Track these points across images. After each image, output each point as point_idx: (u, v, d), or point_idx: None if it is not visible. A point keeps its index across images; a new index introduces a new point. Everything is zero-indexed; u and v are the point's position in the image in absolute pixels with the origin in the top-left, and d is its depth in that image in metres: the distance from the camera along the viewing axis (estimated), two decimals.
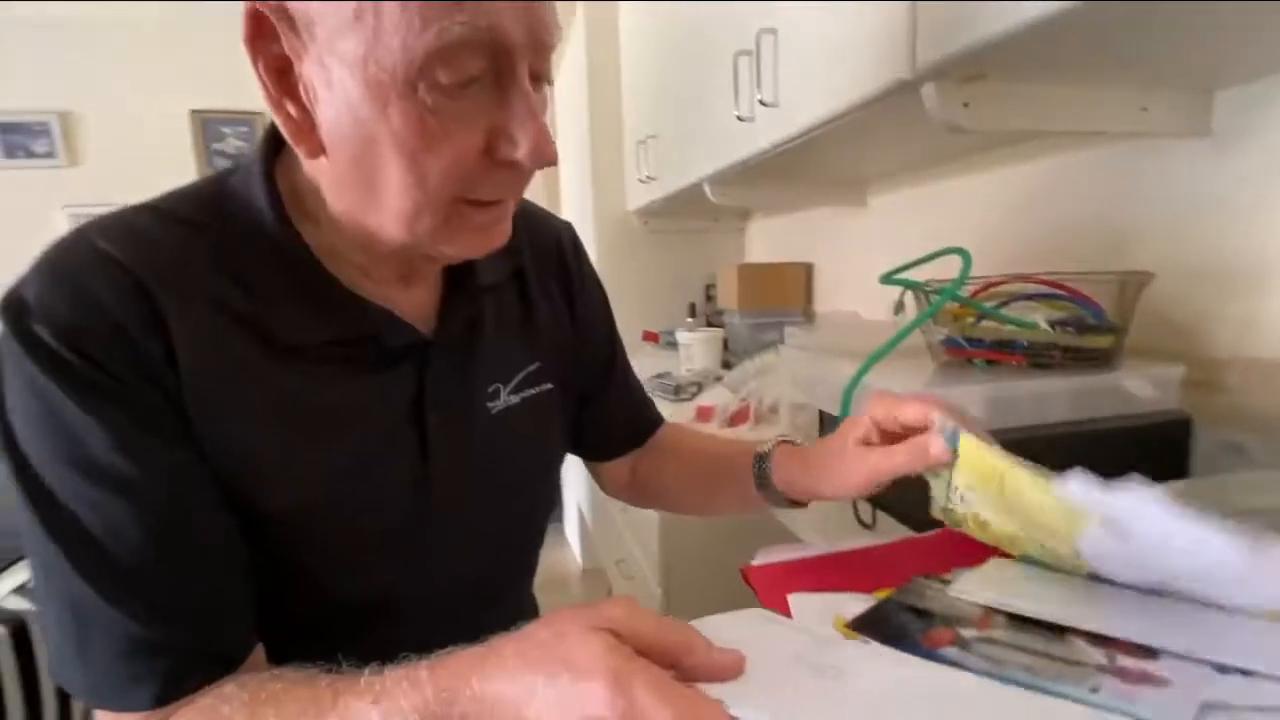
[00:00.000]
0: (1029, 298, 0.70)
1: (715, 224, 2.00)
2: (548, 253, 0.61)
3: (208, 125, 2.91)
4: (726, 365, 1.50)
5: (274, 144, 0.44)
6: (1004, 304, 0.70)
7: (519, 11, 0.36)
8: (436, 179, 0.37)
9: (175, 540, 0.38)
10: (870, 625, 0.42)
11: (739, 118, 0.97)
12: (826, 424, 0.79)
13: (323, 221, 0.43)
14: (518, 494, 0.56)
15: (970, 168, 1.04)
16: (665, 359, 1.70)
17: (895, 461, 0.46)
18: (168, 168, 2.86)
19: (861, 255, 1.40)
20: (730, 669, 0.30)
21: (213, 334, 0.39)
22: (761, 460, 0.57)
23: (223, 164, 2.93)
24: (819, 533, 0.69)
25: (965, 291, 0.67)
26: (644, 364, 1.65)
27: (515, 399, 0.54)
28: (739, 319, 1.55)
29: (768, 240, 1.92)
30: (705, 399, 1.17)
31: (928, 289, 0.68)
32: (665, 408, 1.27)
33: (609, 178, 1.94)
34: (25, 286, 0.36)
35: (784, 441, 0.58)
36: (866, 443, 0.49)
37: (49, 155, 2.75)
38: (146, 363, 0.37)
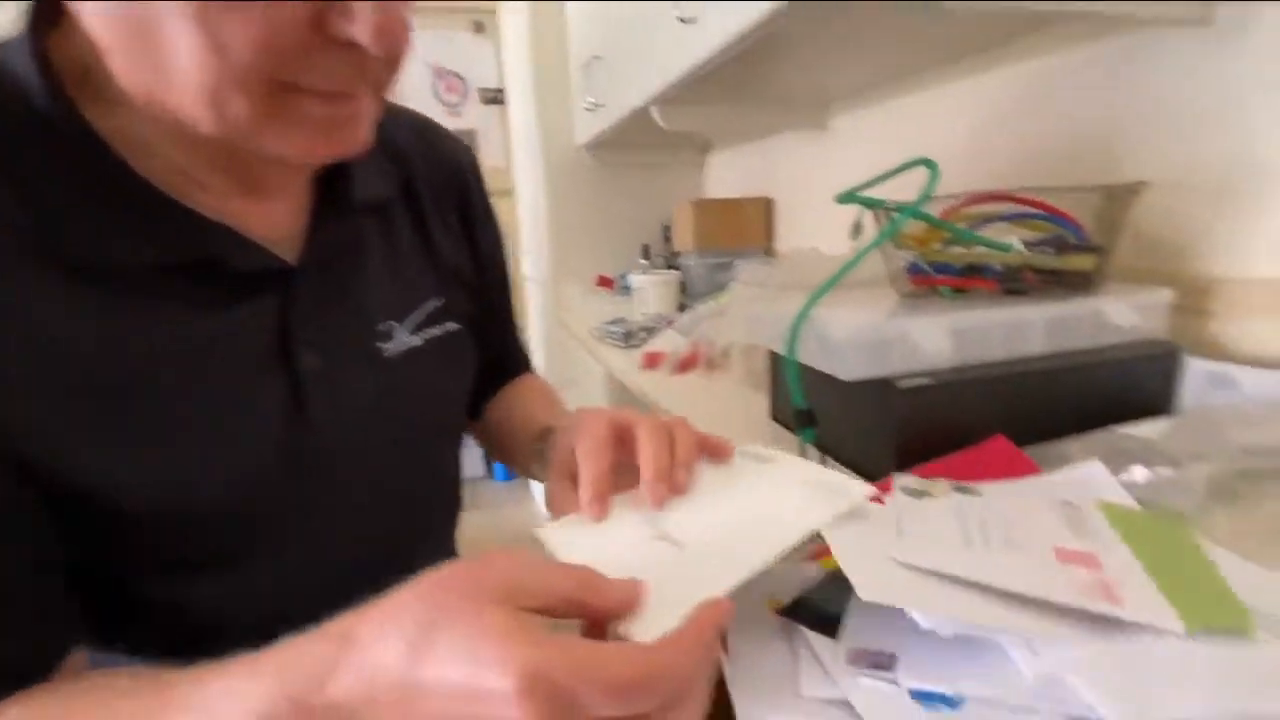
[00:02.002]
0: (1003, 219, 0.62)
1: (673, 158, 1.86)
2: (447, 174, 0.52)
3: None
4: (684, 310, 1.41)
5: (48, 5, 0.33)
6: (975, 227, 0.62)
7: None
8: (242, 49, 0.28)
9: None
10: (805, 611, 0.34)
11: (681, 19, 0.84)
12: (778, 366, 0.70)
13: (121, 105, 0.32)
14: (424, 447, 0.49)
15: (940, 79, 0.93)
16: (620, 306, 1.59)
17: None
18: None
19: (823, 185, 1.30)
20: (632, 601, 0.26)
21: None
22: (547, 434, 0.50)
23: None
24: None
25: (933, 212, 0.58)
26: (597, 311, 1.54)
27: (416, 340, 0.46)
28: (695, 260, 1.45)
29: (728, 174, 1.80)
30: (655, 345, 1.08)
31: (888, 207, 0.59)
32: (615, 356, 1.18)
33: (555, 108, 1.78)
34: None
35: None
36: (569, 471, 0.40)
37: None
38: None
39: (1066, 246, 0.57)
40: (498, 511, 2.62)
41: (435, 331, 0.48)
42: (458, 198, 0.53)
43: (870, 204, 0.60)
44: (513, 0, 1.96)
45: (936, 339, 0.51)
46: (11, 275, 0.31)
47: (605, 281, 1.76)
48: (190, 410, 0.36)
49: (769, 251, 1.52)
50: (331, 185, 0.42)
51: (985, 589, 0.29)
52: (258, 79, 0.29)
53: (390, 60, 0.34)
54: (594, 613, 0.26)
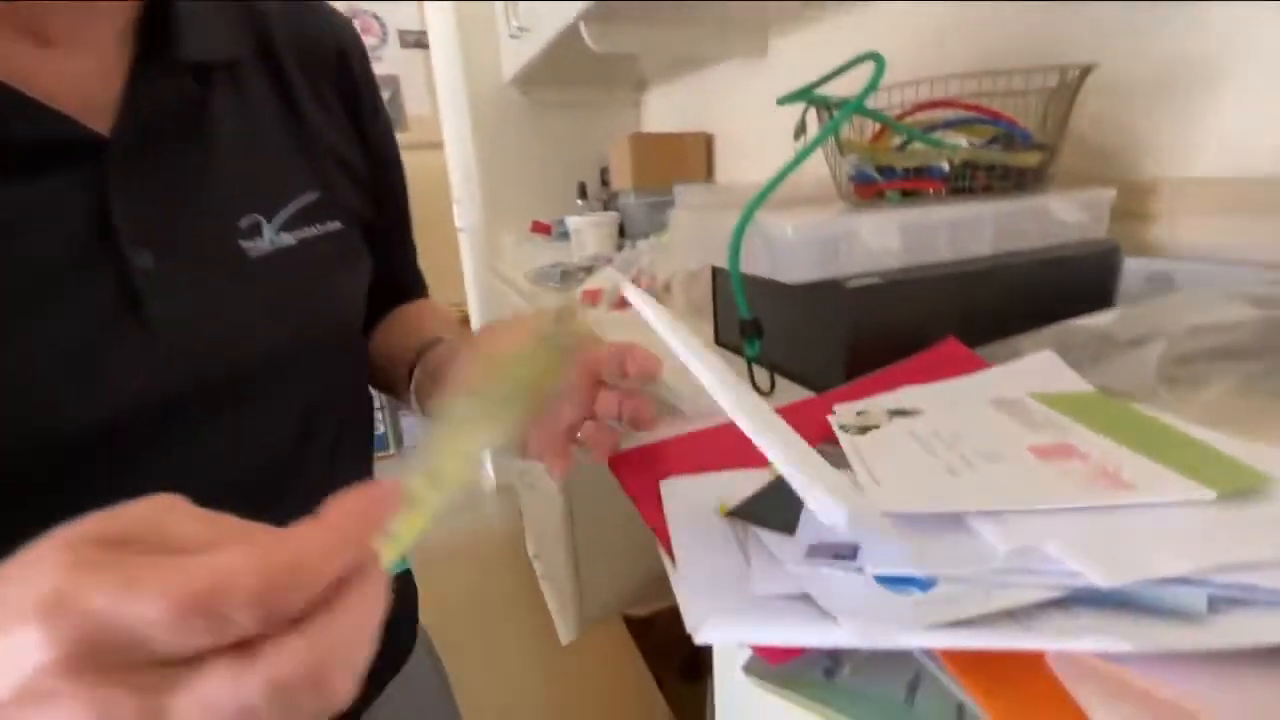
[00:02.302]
0: (948, 125, 0.59)
1: (608, 95, 1.78)
2: (320, 45, 0.44)
3: None
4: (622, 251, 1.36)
5: None
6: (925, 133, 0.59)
7: None
8: None
9: None
10: (757, 512, 0.31)
11: None
12: (720, 284, 0.67)
13: None
14: (310, 370, 0.41)
15: None
16: (558, 251, 1.52)
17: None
18: None
19: (763, 116, 1.25)
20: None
21: None
22: (435, 344, 0.46)
23: None
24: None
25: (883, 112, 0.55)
26: (532, 257, 1.47)
27: (289, 239, 0.39)
28: (633, 199, 1.39)
29: (666, 112, 1.73)
30: (593, 283, 1.03)
31: (831, 104, 0.55)
32: (552, 300, 1.12)
33: (480, 41, 1.65)
34: None
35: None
36: None
37: None
38: None
39: (1013, 144, 0.55)
40: None
41: (313, 231, 0.40)
42: (337, 75, 0.45)
43: (814, 100, 0.56)
44: None
45: (885, 237, 0.48)
46: None
47: (541, 227, 1.68)
48: None
49: None
50: (150, 40, 0.34)
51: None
52: None
53: None
54: None
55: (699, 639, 0.23)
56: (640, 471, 0.40)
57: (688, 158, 1.42)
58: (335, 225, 0.42)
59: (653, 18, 1.05)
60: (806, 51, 1.10)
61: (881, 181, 0.57)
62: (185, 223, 0.35)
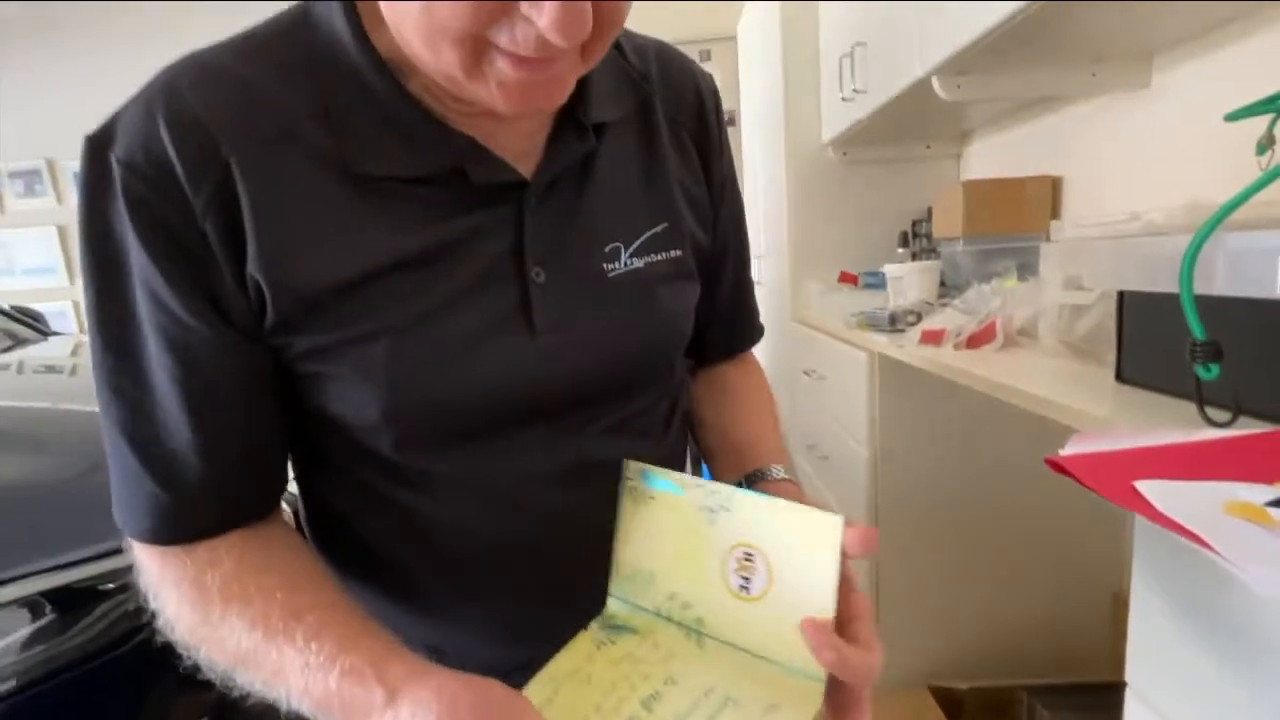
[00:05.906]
0: None
1: (926, 150, 1.77)
2: (682, 96, 0.51)
3: None
4: (943, 301, 1.31)
5: None
6: None
7: None
8: (445, 10, 0.32)
9: (194, 399, 0.38)
10: None
11: None
12: (1129, 319, 0.62)
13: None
14: (640, 377, 0.48)
15: None
16: (863, 300, 1.54)
17: None
18: None
19: (1142, 153, 1.12)
20: None
21: (282, 169, 0.37)
22: (756, 478, 0.50)
23: None
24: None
25: None
26: (842, 305, 1.51)
27: (639, 263, 0.46)
28: (961, 247, 1.35)
29: (993, 160, 1.65)
30: (932, 324, 1.02)
31: None
32: (877, 343, 1.14)
33: (802, 104, 1.80)
34: (118, 115, 0.37)
35: (788, 481, 0.50)
36: None
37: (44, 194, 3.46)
38: (191, 206, 0.36)
39: None
40: None
41: (657, 257, 0.47)
42: (695, 123, 0.51)
43: None
44: (758, 0, 2.03)
45: None
46: (306, 181, 0.38)
47: (848, 277, 1.71)
48: (435, 305, 0.39)
49: (1048, 237, 1.36)
50: (571, 106, 0.42)
51: None
52: (459, 35, 0.32)
53: (596, 32, 0.33)
54: None
55: None
56: (1099, 472, 0.40)
57: (1027, 203, 1.33)
58: (676, 252, 0.48)
59: (1012, 59, 1.04)
60: (1205, 79, 0.97)
61: None
62: (569, 248, 0.43)
